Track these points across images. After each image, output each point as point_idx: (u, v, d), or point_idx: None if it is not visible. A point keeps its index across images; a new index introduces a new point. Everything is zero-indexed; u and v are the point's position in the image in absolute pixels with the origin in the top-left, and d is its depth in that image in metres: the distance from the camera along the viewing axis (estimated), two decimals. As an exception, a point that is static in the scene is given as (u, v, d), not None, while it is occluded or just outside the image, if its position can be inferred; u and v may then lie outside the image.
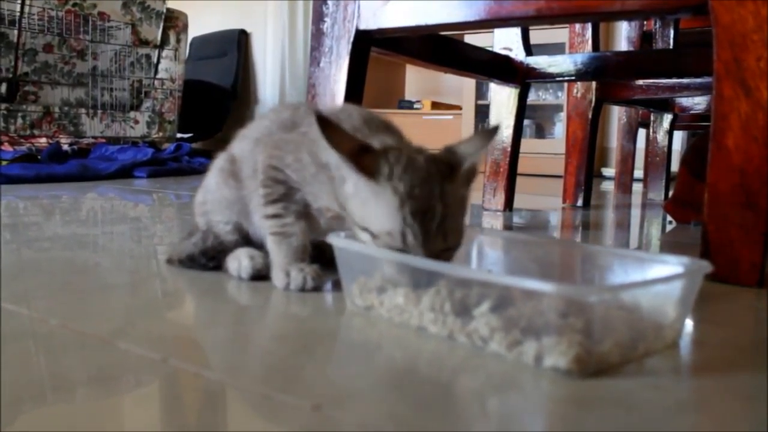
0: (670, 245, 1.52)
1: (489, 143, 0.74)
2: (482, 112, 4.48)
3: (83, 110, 3.24)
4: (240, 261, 0.88)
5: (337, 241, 0.74)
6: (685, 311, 0.66)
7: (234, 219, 0.92)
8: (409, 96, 5.47)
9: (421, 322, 0.66)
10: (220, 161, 0.94)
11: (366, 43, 1.26)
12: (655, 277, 0.69)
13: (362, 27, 1.23)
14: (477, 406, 0.52)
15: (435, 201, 0.67)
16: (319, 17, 1.27)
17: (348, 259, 0.74)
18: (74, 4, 3.19)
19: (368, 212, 0.69)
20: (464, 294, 0.64)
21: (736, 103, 0.93)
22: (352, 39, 1.24)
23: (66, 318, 0.70)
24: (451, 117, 4.85)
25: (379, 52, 1.34)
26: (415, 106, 5.02)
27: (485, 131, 0.75)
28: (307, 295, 0.81)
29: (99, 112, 3.29)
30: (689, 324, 0.75)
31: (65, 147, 2.96)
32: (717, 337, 0.72)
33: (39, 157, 2.70)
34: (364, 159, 0.68)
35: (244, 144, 0.92)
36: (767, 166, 0.91)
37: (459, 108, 4.84)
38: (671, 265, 0.69)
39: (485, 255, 0.88)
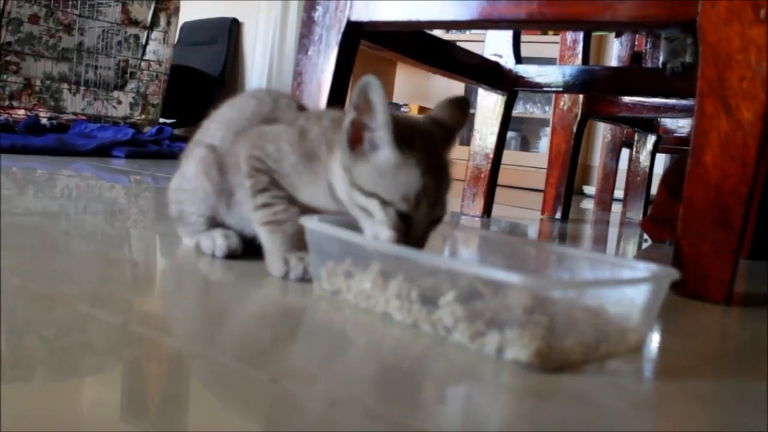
0: (645, 261, 1.53)
1: (467, 117, 0.81)
2: (468, 120, 4.50)
3: (66, 85, 3.19)
4: (214, 240, 0.87)
5: (309, 223, 0.73)
6: (650, 317, 0.66)
7: (207, 213, 0.89)
8: (397, 99, 5.47)
9: (386, 309, 0.66)
10: (200, 151, 0.90)
11: (356, 34, 1.26)
12: (621, 278, 0.69)
13: (354, 18, 1.23)
14: (435, 393, 0.51)
15: (445, 172, 0.73)
16: (311, 5, 1.26)
17: (319, 242, 0.73)
18: (65, -23, 3.15)
19: (384, 179, 0.70)
20: (432, 283, 0.64)
21: (717, 121, 0.94)
22: (342, 29, 1.23)
23: (28, 279, 0.68)
24: (437, 123, 4.85)
25: (368, 45, 1.33)
26: (402, 109, 5.03)
27: (455, 102, 0.81)
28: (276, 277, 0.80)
29: (82, 88, 3.25)
30: (654, 332, 0.75)
31: (44, 121, 2.91)
32: (681, 346, 0.72)
33: (16, 128, 2.66)
34: None
35: (224, 134, 0.89)
36: (743, 185, 0.92)
37: (446, 115, 4.84)
38: (640, 271, 0.69)
39: (458, 252, 0.88)
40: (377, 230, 0.70)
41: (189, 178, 0.90)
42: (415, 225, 0.70)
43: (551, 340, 0.55)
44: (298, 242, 0.80)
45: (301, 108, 0.89)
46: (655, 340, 0.73)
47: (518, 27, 1.78)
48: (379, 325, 0.65)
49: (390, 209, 0.69)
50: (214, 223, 0.90)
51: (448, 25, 1.21)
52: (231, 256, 0.87)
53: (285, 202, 0.81)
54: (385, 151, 0.70)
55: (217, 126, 0.90)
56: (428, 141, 0.72)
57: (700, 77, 0.96)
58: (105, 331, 0.56)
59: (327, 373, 0.52)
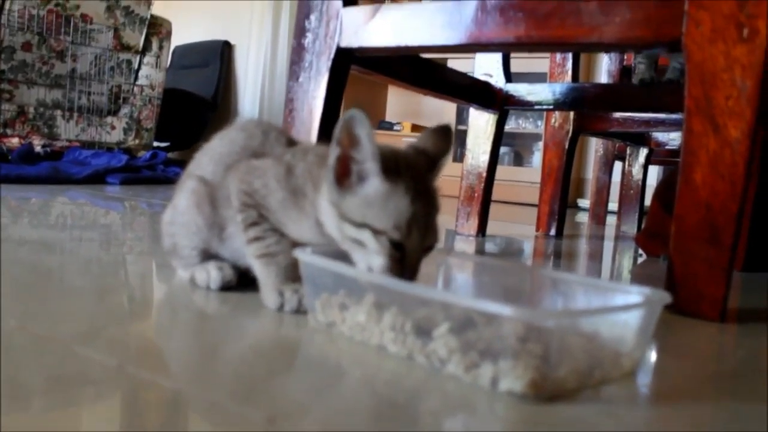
0: (639, 277, 1.53)
1: (450, 146, 0.80)
2: (461, 136, 4.51)
3: (59, 112, 3.20)
4: (209, 272, 0.88)
5: (303, 256, 0.74)
6: (644, 341, 0.66)
7: (200, 246, 0.89)
8: (390, 117, 5.50)
9: (381, 341, 0.66)
10: (192, 184, 0.90)
11: (346, 60, 1.27)
12: (614, 305, 0.69)
13: (343, 44, 1.24)
14: (431, 425, 0.51)
15: (433, 198, 0.74)
16: (301, 32, 1.28)
17: (312, 274, 0.74)
18: (57, 4, 3.17)
19: (374, 209, 0.70)
20: (426, 313, 0.64)
21: (705, 140, 0.95)
22: (332, 56, 1.24)
23: (25, 320, 0.69)
24: (430, 140, 4.87)
25: (359, 70, 1.34)
26: (395, 127, 5.05)
27: (438, 131, 0.81)
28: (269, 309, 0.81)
29: (75, 115, 3.25)
30: (649, 354, 0.75)
31: (38, 148, 2.92)
32: (676, 368, 0.73)
33: (9, 157, 2.66)
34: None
35: (214, 168, 0.89)
36: (733, 202, 0.93)
37: (439, 131, 4.86)
38: (633, 295, 0.69)
39: (452, 278, 0.88)
40: (370, 260, 0.70)
41: (181, 211, 0.90)
42: (408, 253, 0.70)
43: (545, 369, 0.55)
44: (293, 274, 0.80)
45: (291, 142, 0.89)
46: (649, 363, 0.73)
47: (507, 50, 1.80)
48: (374, 358, 0.65)
49: (383, 238, 0.69)
50: (207, 255, 0.90)
51: (437, 50, 1.22)
52: (226, 287, 0.87)
53: (277, 235, 0.82)
54: (373, 182, 0.70)
55: (207, 159, 0.91)
56: (414, 169, 0.73)
57: (687, 96, 0.97)
58: (101, 373, 0.56)
59: (323, 410, 0.52)
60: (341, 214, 0.72)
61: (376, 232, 0.70)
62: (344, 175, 0.72)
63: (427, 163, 0.77)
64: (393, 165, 0.71)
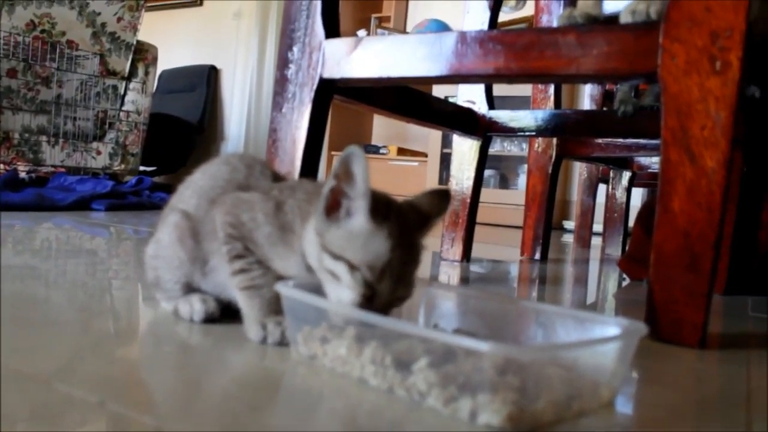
0: (623, 302, 1.55)
1: (447, 207, 0.82)
2: (447, 160, 4.55)
3: (44, 138, 3.20)
4: (192, 305, 0.88)
5: (284, 289, 0.75)
6: (622, 371, 0.67)
7: (183, 280, 0.90)
8: (376, 141, 5.53)
9: (362, 374, 0.67)
10: (174, 218, 0.90)
11: (329, 91, 1.28)
12: (591, 338, 0.71)
13: (326, 75, 1.25)
14: (411, 461, 0.52)
15: (415, 253, 0.75)
16: (283, 63, 1.29)
17: (294, 307, 0.74)
18: (42, 31, 3.18)
19: (354, 245, 0.72)
20: (405, 346, 0.65)
21: (682, 169, 0.97)
22: (315, 87, 1.26)
23: (6, 355, 0.68)
24: (416, 164, 4.91)
25: (342, 100, 1.36)
26: (381, 151, 5.07)
27: (436, 193, 0.82)
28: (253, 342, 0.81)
29: (61, 140, 3.25)
30: (627, 383, 0.76)
31: (23, 175, 2.91)
32: (654, 396, 0.74)
33: (-5, 183, 2.65)
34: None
35: (198, 202, 0.89)
36: (710, 230, 0.95)
37: (425, 155, 4.91)
38: (610, 326, 0.71)
39: (434, 307, 0.89)
40: (341, 294, 0.72)
41: (164, 245, 0.90)
42: (377, 296, 0.71)
43: (523, 403, 0.56)
44: (276, 306, 0.81)
45: (276, 176, 0.90)
46: (628, 392, 0.74)
47: (487, 81, 1.82)
48: (355, 390, 0.65)
49: (357, 273, 0.71)
50: (190, 288, 0.91)
51: (418, 81, 1.24)
52: (209, 320, 0.87)
53: (262, 267, 0.82)
54: (359, 219, 0.72)
55: (190, 193, 0.91)
56: (403, 221, 0.74)
57: (663, 127, 0.99)
58: (82, 411, 0.56)
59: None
60: (323, 243, 0.73)
61: (351, 267, 0.71)
62: (334, 207, 0.74)
63: (419, 221, 0.78)
64: (383, 210, 0.72)
